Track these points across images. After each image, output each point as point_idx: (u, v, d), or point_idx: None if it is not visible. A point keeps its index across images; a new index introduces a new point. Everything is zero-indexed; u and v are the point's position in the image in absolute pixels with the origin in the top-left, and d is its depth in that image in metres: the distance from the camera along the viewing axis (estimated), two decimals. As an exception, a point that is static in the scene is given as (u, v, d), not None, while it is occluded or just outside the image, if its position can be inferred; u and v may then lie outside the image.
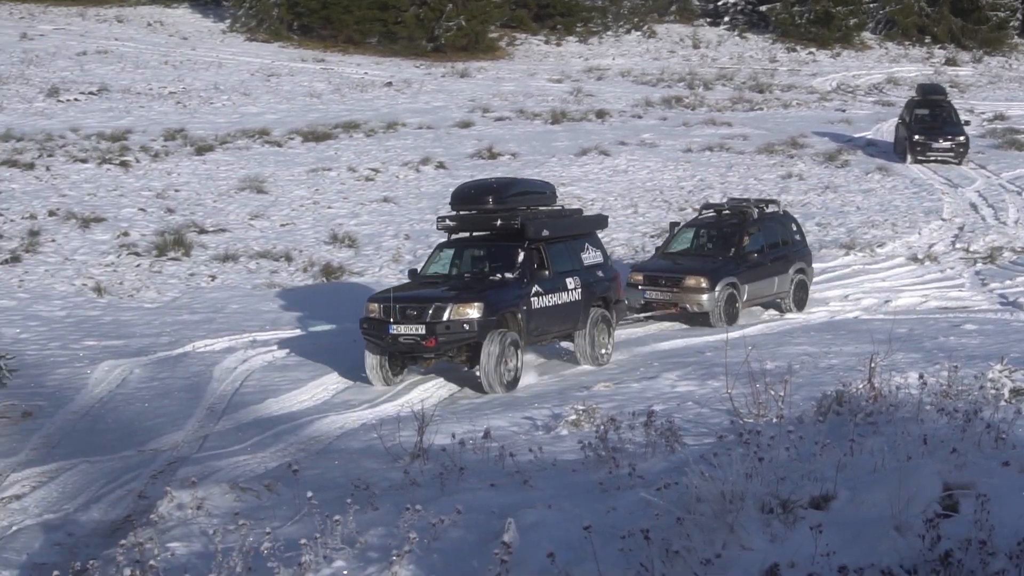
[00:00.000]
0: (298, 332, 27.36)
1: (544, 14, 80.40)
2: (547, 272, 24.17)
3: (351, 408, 22.02)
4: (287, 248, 35.77)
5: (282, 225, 38.65)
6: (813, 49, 78.94)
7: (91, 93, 57.25)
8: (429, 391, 23.02)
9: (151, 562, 10.75)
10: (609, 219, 28.69)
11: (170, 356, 25.55)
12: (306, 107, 56.99)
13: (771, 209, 31.22)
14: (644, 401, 19.26)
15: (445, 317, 22.55)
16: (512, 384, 22.84)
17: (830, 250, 35.43)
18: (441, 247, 25.59)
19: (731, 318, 28.11)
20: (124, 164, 44.87)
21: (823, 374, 21.00)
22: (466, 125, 53.80)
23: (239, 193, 41.71)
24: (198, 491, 13.88)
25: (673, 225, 31.10)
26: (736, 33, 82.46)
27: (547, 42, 78.93)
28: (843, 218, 39.12)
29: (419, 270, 25.28)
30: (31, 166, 43.77)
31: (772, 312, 29.83)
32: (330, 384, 23.41)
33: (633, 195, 42.21)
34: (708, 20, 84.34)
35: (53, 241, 35.97)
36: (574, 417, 18.26)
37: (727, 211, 30.82)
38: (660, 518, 9.63)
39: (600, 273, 25.71)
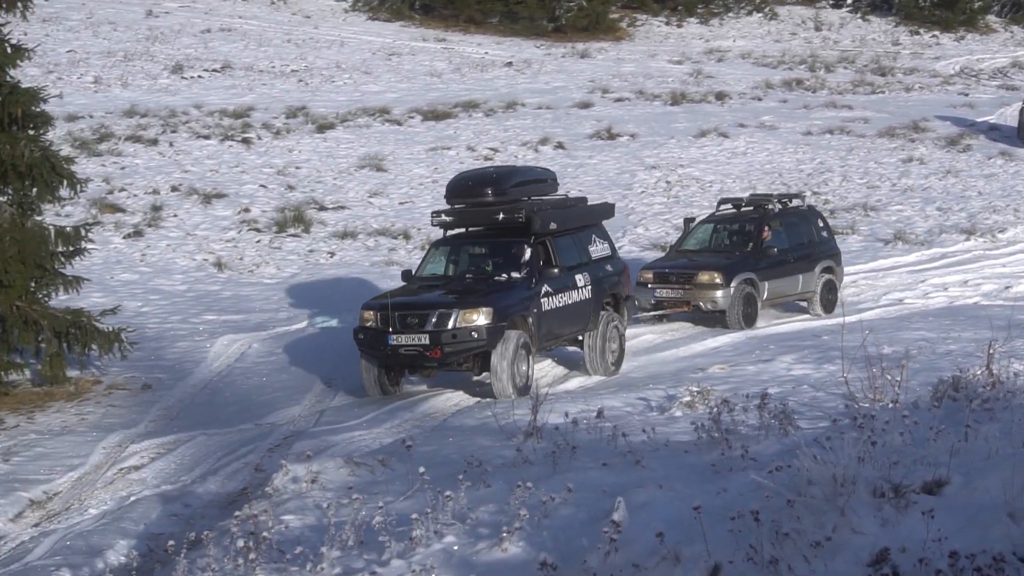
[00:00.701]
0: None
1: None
2: (556, 270, 22.30)
3: (466, 386, 22.17)
4: (405, 226, 35.99)
5: (401, 203, 38.89)
6: (937, 32, 77.90)
7: (214, 70, 57.86)
8: (544, 370, 23.09)
9: (264, 534, 10.88)
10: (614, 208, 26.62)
11: (288, 331, 25.86)
12: (426, 86, 57.22)
13: (795, 204, 29.64)
14: (759, 384, 19.18)
15: (450, 325, 20.59)
16: (524, 391, 20.78)
17: (950, 235, 35.05)
18: (437, 245, 23.59)
19: (749, 319, 26.52)
20: (246, 141, 45.35)
21: (941, 359, 20.80)
22: (585, 106, 53.75)
23: (359, 171, 42.02)
24: (313, 465, 14.03)
25: (688, 221, 29.50)
26: (859, 15, 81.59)
27: (668, 23, 78.60)
28: (964, 203, 38.64)
29: (414, 272, 23.15)
30: (155, 142, 44.36)
31: (890, 297, 29.37)
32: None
33: (752, 177, 41.98)
34: (830, 2, 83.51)
35: (175, 216, 36.48)
36: (688, 398, 18.26)
37: (747, 206, 29.11)
38: (770, 500, 9.61)
39: (609, 267, 23.90)
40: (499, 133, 48.06)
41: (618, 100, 55.42)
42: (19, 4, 21.06)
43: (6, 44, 20.13)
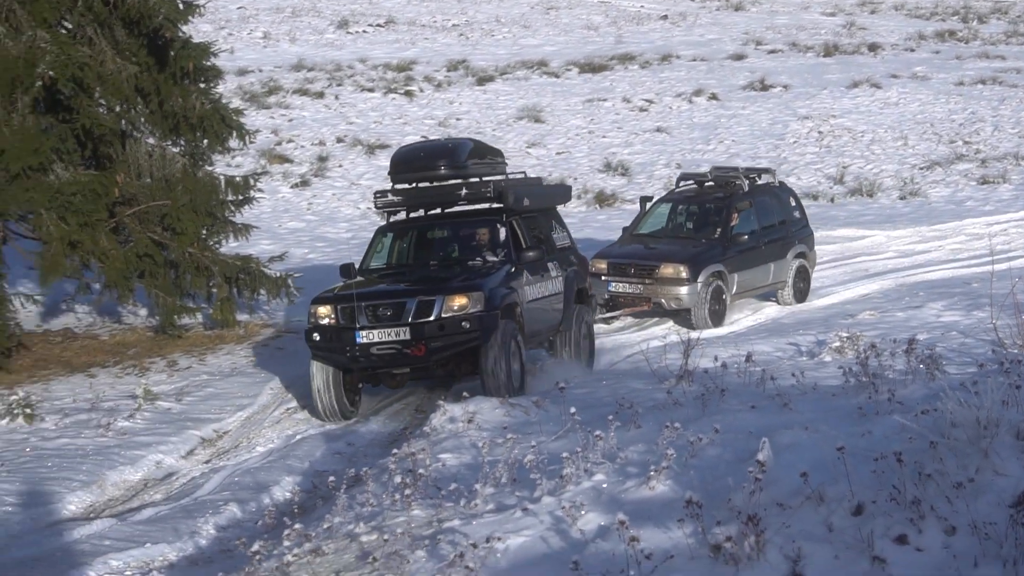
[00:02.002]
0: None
1: (824, -55, 79.19)
2: (531, 253, 18.20)
3: (620, 331, 22.42)
4: (562, 175, 36.33)
5: (558, 153, 39.25)
6: (1097, -20, 76.16)
7: (378, 25, 58.54)
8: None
9: (421, 471, 11.11)
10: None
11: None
12: (583, 39, 57.34)
13: (765, 180, 25.67)
14: (908, 330, 19.11)
15: (434, 314, 16.70)
16: (520, 392, 16.99)
17: (1104, 187, 34.63)
18: (384, 232, 19.39)
19: (716, 317, 22.86)
20: (408, 93, 45.96)
21: (1093, 305, 20.65)
22: (739, 58, 53.58)
23: (517, 122, 42.42)
24: (470, 406, 14.32)
25: (644, 200, 25.42)
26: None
27: (825, -26, 77.81)
28: (1120, 153, 38.12)
29: (358, 265, 18.82)
30: (321, 95, 45.13)
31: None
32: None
33: (903, 128, 41.75)
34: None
35: (340, 166, 37.21)
36: (838, 344, 18.36)
37: (710, 182, 25.15)
38: (914, 442, 9.69)
39: (572, 258, 20.08)
40: (654, 85, 48.13)
41: (771, 52, 55.20)
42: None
43: (177, 1, 20.67)
